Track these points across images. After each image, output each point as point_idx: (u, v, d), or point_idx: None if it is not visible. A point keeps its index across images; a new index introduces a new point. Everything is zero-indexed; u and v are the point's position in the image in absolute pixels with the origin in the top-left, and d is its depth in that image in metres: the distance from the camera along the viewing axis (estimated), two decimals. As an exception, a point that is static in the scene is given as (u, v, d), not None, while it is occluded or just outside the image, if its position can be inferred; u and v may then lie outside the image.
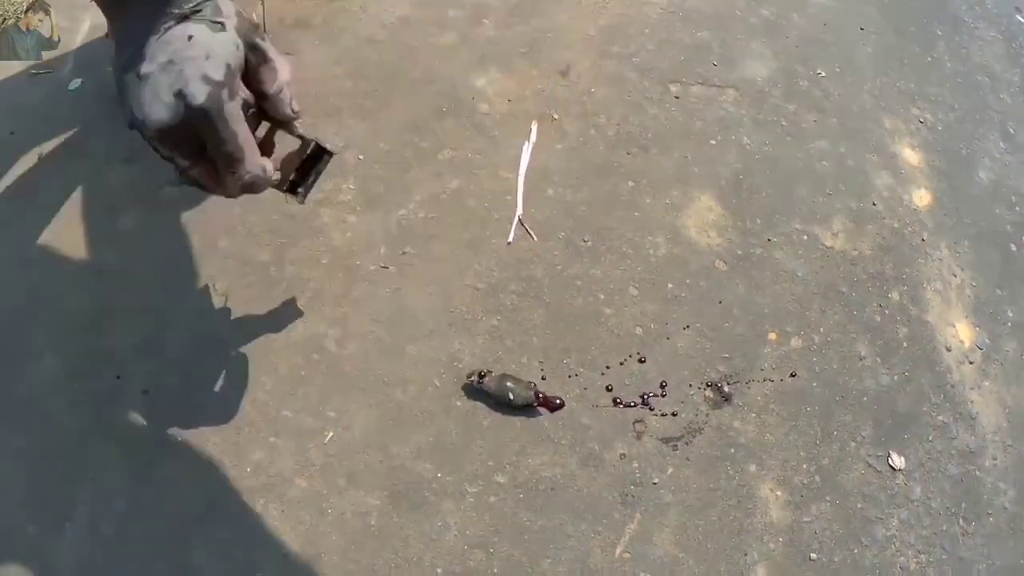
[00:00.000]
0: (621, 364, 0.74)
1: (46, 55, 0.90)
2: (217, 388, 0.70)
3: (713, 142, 0.91)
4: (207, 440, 0.68)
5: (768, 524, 0.71)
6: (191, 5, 0.47)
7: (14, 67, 0.89)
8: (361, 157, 0.85)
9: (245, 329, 0.73)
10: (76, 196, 0.80)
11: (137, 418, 0.69)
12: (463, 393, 0.71)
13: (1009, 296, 0.93)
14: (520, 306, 0.77)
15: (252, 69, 0.51)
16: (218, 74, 0.47)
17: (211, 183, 0.51)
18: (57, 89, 0.87)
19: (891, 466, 0.77)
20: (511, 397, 0.67)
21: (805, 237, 0.86)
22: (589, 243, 0.81)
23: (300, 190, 0.58)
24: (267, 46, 0.51)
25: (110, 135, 0.84)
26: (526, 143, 0.87)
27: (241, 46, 0.49)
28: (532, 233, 0.81)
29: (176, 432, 0.68)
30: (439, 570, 0.65)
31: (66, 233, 0.78)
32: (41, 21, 0.94)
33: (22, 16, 0.93)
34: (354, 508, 0.67)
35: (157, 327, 0.73)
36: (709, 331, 0.78)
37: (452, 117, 0.89)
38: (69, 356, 0.71)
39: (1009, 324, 0.91)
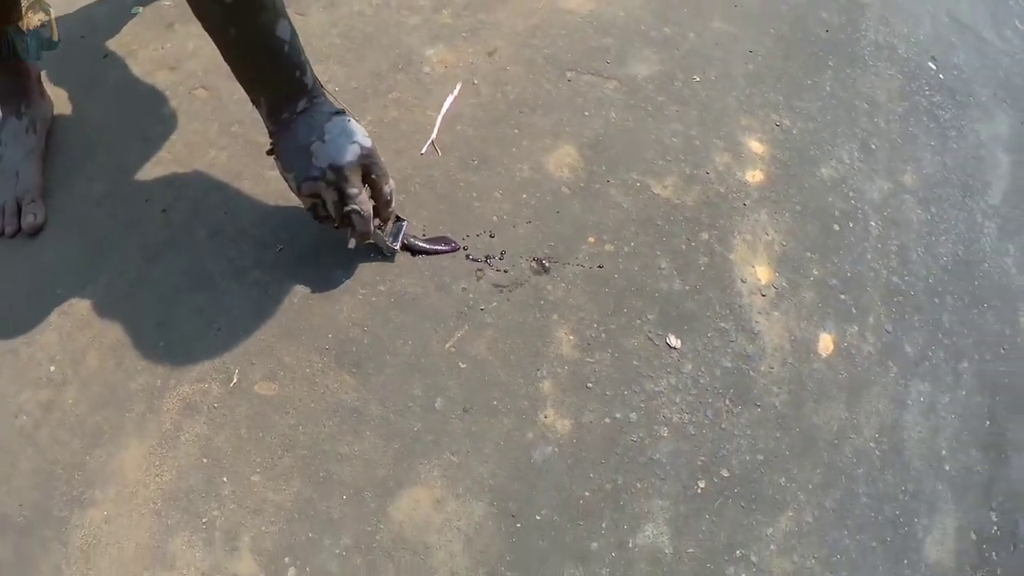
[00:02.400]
0: (477, 236, 1.20)
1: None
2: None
3: (587, 113, 1.41)
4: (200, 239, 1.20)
5: (559, 355, 1.16)
6: (338, 108, 0.99)
7: None
8: (336, 89, 1.38)
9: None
10: (133, 87, 1.36)
11: (154, 226, 1.22)
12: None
13: (818, 260, 1.36)
14: (420, 192, 1.24)
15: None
16: (370, 139, 0.99)
17: (368, 213, 1.01)
18: (120, 10, 1.46)
19: (668, 344, 1.21)
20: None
21: (638, 184, 1.34)
22: (475, 163, 1.31)
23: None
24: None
25: (158, 48, 1.42)
26: (450, 95, 1.39)
27: None
28: (438, 150, 1.31)
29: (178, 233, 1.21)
30: (329, 335, 1.14)
31: (117, 105, 1.34)
32: (41, 21, 1.17)
33: (22, 16, 1.14)
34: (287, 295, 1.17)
35: (182, 168, 1.26)
36: (544, 227, 1.25)
37: (403, 73, 1.42)
38: (114, 184, 1.26)
39: (811, 279, 1.34)
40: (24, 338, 1.09)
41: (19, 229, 1.17)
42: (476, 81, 1.38)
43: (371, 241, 1.07)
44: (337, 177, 0.97)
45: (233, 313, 1.11)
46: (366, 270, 1.14)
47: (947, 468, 1.22)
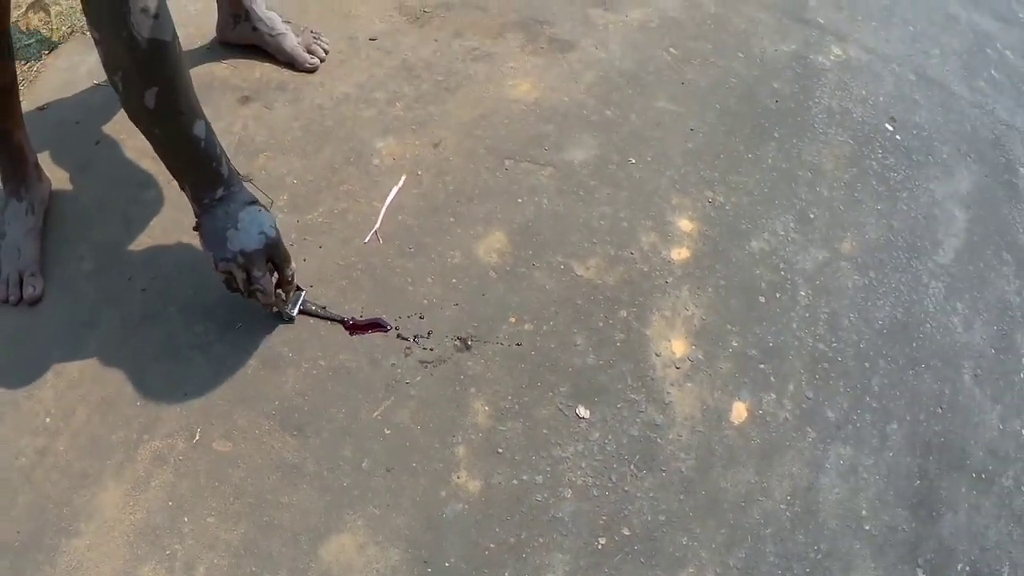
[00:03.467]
0: (408, 317, 1.39)
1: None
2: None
3: (520, 200, 1.64)
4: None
5: (474, 424, 1.35)
6: (251, 198, 1.22)
7: (82, 77, 1.75)
8: (294, 182, 1.64)
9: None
10: (120, 171, 1.60)
11: (134, 301, 1.45)
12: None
13: (739, 331, 1.55)
14: (360, 278, 1.44)
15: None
16: (275, 229, 1.22)
17: (270, 292, 1.25)
18: (112, 99, 1.69)
19: (578, 414, 1.41)
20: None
21: (562, 266, 1.55)
22: (412, 250, 1.54)
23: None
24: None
25: (143, 139, 1.68)
26: (394, 187, 1.65)
27: None
28: (380, 239, 1.56)
29: (154, 308, 1.48)
30: (276, 402, 1.39)
31: (106, 189, 1.55)
32: (42, 21, 1.29)
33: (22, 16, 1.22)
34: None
35: (159, 250, 1.47)
36: (469, 309, 1.45)
37: (355, 166, 1.67)
38: (101, 262, 1.47)
39: (729, 351, 1.53)
40: (25, 392, 1.30)
41: (21, 298, 1.41)
42: (420, 172, 1.62)
43: (275, 309, 1.33)
44: (246, 261, 1.22)
45: (198, 380, 1.34)
46: (310, 346, 1.37)
47: (867, 527, 1.36)
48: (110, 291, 1.43)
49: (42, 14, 1.29)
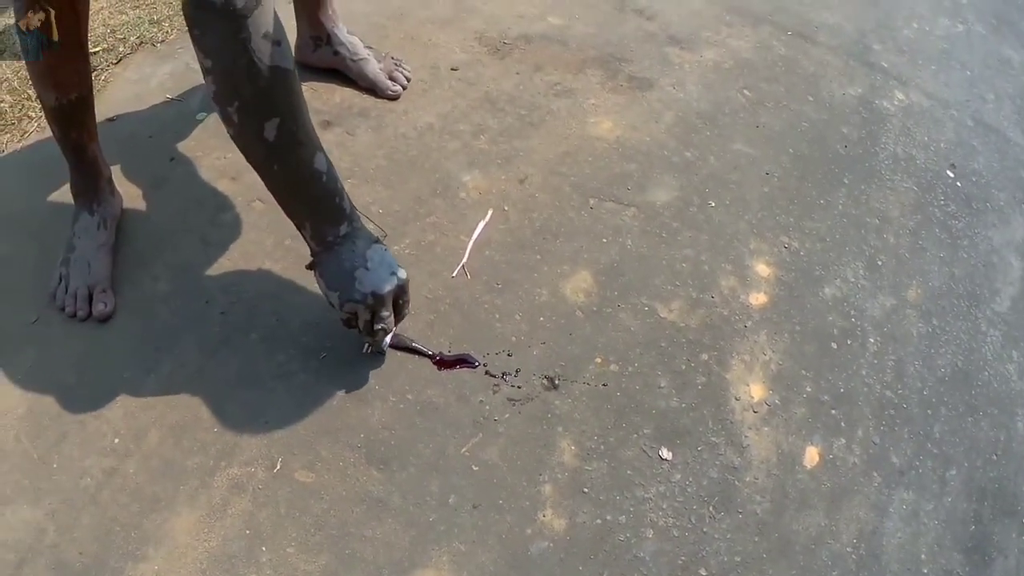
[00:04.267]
0: (496, 354, 1.45)
1: (181, 88, 1.79)
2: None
3: (604, 240, 1.69)
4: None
5: (560, 463, 1.41)
6: (376, 236, 1.23)
7: (153, 90, 1.80)
8: (380, 211, 1.70)
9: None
10: (197, 191, 1.67)
11: (212, 326, 1.52)
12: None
13: (812, 377, 1.60)
14: (448, 312, 1.51)
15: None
16: (404, 270, 1.23)
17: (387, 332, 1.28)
18: (186, 114, 1.79)
19: (660, 456, 1.47)
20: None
21: (646, 308, 1.61)
22: (499, 286, 1.60)
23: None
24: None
25: (220, 157, 1.75)
26: (481, 221, 1.70)
27: None
28: (468, 273, 1.61)
29: (234, 334, 1.53)
30: (362, 435, 1.43)
31: (181, 208, 1.61)
32: (41, 21, 1.19)
33: (22, 16, 1.18)
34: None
35: (239, 274, 1.51)
36: (556, 348, 1.52)
37: (441, 197, 1.73)
38: (176, 283, 1.52)
39: (804, 396, 1.58)
40: (92, 412, 1.29)
41: (90, 314, 1.39)
42: (506, 208, 1.67)
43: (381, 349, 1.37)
44: (375, 302, 1.22)
45: (280, 409, 1.37)
46: (397, 380, 1.41)
47: (925, 571, 1.41)
48: (186, 314, 1.44)
49: (42, 14, 1.21)
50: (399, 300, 1.27)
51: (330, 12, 1.79)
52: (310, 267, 1.26)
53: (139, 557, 1.16)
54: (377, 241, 1.25)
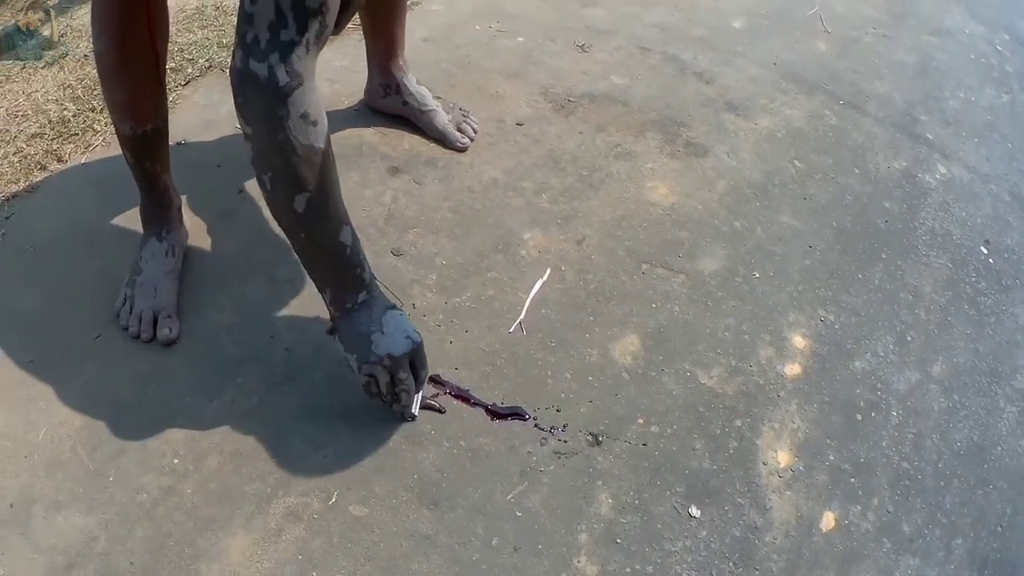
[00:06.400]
0: (546, 409, 1.57)
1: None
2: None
3: (654, 305, 1.82)
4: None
5: (598, 514, 1.51)
6: (391, 303, 1.27)
7: (223, 118, 1.90)
8: (444, 263, 1.84)
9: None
10: (267, 226, 1.76)
11: (277, 360, 1.67)
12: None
13: (836, 447, 1.72)
14: (503, 367, 1.65)
15: None
16: (418, 333, 1.28)
17: (412, 393, 1.33)
18: None
19: (690, 513, 1.60)
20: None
21: (688, 374, 1.73)
22: (553, 344, 1.73)
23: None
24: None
25: None
26: (539, 280, 1.82)
27: None
28: (524, 330, 1.75)
29: (298, 371, 1.67)
30: (415, 476, 1.57)
31: (249, 242, 1.72)
32: (42, 21, 1.24)
33: (22, 16, 1.23)
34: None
35: (307, 313, 1.64)
36: (602, 407, 1.64)
37: (502, 253, 1.85)
38: (241, 316, 1.63)
39: (827, 464, 1.69)
40: (151, 431, 1.34)
41: (154, 337, 1.42)
42: (563, 267, 1.80)
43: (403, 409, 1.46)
44: (392, 364, 1.26)
45: (339, 445, 1.40)
46: (451, 427, 1.54)
47: (926, 635, 1.55)
48: (250, 346, 1.49)
49: (42, 14, 1.26)
50: (415, 363, 1.32)
51: (400, 63, 1.88)
52: (330, 332, 1.32)
53: (191, 572, 1.20)
54: (393, 307, 1.30)
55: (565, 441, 1.55)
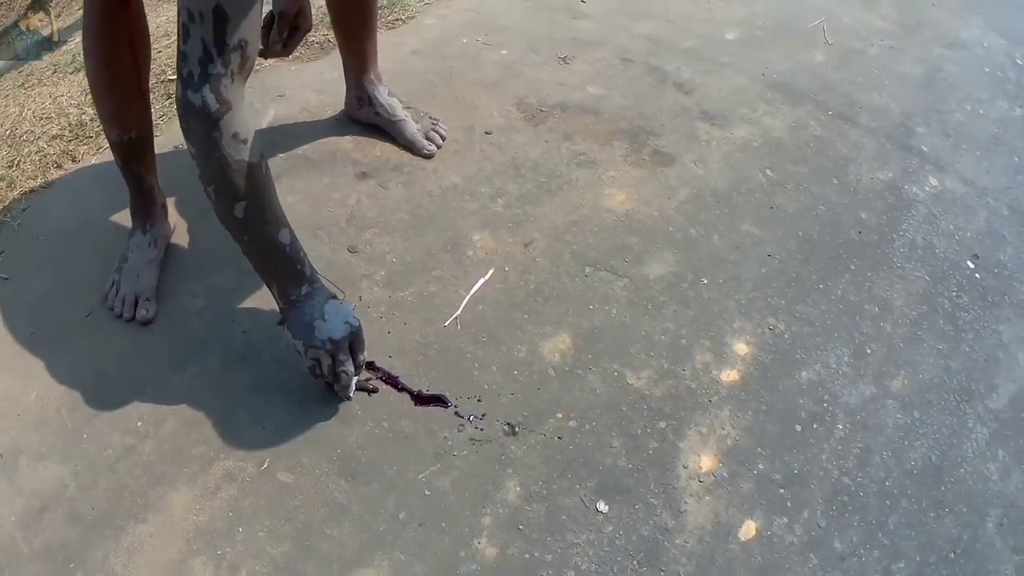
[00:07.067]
0: (468, 398, 1.57)
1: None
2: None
3: (591, 307, 1.81)
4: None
5: (504, 500, 1.45)
6: (331, 294, 1.39)
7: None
8: (394, 260, 1.88)
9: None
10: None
11: (235, 342, 1.74)
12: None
13: (768, 456, 1.66)
14: (434, 357, 1.64)
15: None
16: (357, 319, 1.39)
17: (351, 374, 1.42)
18: None
19: (597, 508, 1.55)
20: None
21: (615, 373, 1.71)
22: (484, 339, 1.73)
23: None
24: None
25: None
26: (481, 279, 1.86)
27: None
28: (459, 325, 1.78)
29: (252, 351, 1.77)
30: (339, 451, 1.60)
31: (224, 237, 1.78)
32: (42, 21, 1.33)
33: (23, 16, 1.30)
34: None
35: (266, 303, 1.70)
36: (522, 399, 1.59)
37: (451, 253, 1.87)
38: (210, 301, 1.76)
39: (754, 472, 1.63)
40: (124, 397, 1.49)
41: (133, 317, 1.59)
42: (507, 268, 1.82)
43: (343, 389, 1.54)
44: (333, 347, 1.38)
45: (277, 418, 1.48)
46: (378, 408, 1.58)
47: (846, 661, 1.47)
48: (215, 328, 1.63)
49: (42, 14, 1.36)
50: (354, 346, 1.43)
51: (372, 76, 2.00)
52: (280, 323, 1.44)
53: (140, 520, 1.35)
54: (333, 297, 1.42)
55: (481, 429, 1.57)
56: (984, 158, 2.20)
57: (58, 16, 1.88)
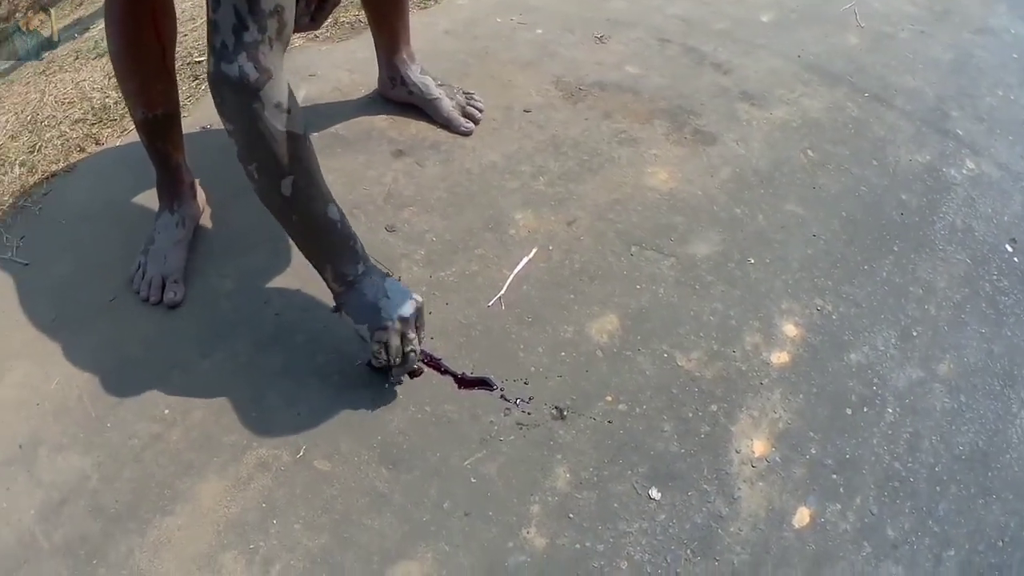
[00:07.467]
0: (514, 381, 1.53)
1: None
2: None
3: (638, 287, 1.77)
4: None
5: (553, 487, 1.45)
6: (385, 271, 1.35)
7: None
8: (434, 239, 1.84)
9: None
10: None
11: (267, 324, 1.70)
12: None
13: (819, 440, 1.63)
14: (478, 338, 1.61)
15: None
16: (420, 296, 1.34)
17: (419, 354, 1.39)
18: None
19: (650, 495, 1.54)
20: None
21: (665, 355, 1.68)
22: (529, 320, 1.70)
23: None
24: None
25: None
26: (524, 258, 1.81)
27: None
28: (503, 305, 1.74)
29: (284, 334, 1.70)
30: (379, 437, 1.57)
31: (255, 217, 1.77)
32: (42, 21, 1.38)
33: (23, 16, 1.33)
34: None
35: (299, 283, 1.66)
36: (570, 382, 1.58)
37: (492, 232, 1.84)
38: (240, 283, 1.71)
39: (807, 457, 1.60)
40: (150, 384, 1.44)
41: (160, 300, 1.54)
42: (551, 247, 1.77)
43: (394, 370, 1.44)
44: (403, 325, 1.34)
45: (312, 403, 1.45)
46: (420, 392, 1.54)
47: (902, 648, 1.44)
48: (245, 311, 1.58)
49: (42, 14, 1.29)
50: (417, 322, 1.37)
51: (404, 56, 1.95)
52: (335, 310, 1.38)
53: (167, 512, 1.29)
54: (388, 275, 1.37)
55: (528, 413, 1.52)
56: (1017, 143, 2.18)
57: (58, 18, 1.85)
